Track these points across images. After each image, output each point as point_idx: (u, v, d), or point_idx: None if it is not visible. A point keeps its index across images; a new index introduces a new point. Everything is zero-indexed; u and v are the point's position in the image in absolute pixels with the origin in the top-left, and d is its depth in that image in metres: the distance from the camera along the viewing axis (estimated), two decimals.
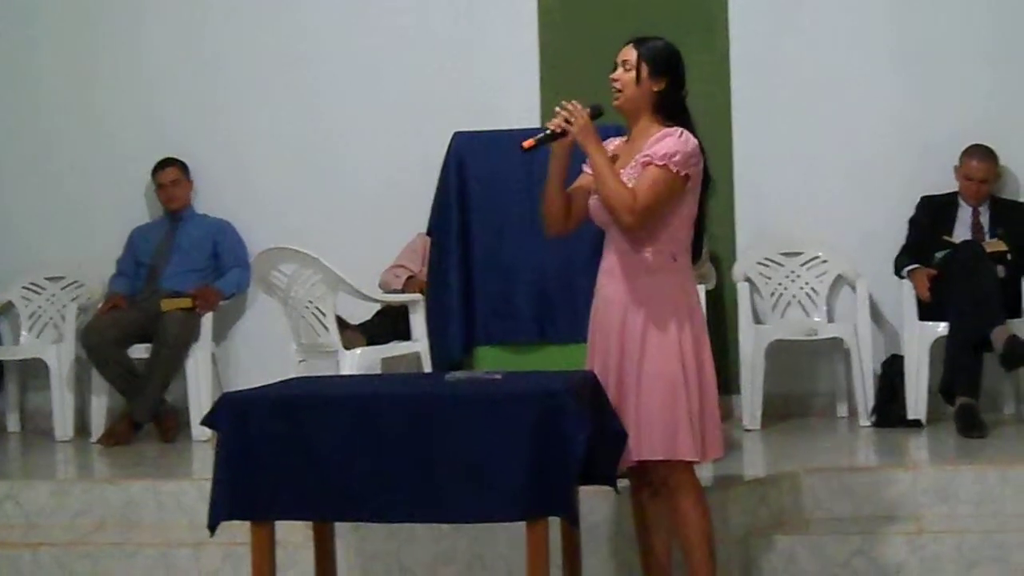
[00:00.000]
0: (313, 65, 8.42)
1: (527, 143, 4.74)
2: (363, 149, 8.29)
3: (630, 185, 4.70)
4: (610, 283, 4.85)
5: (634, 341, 4.75)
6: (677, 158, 4.69)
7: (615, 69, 4.85)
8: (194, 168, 8.34)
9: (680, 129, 4.76)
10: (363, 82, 8.35)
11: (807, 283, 7.90)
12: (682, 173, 4.71)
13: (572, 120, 4.72)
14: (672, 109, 4.85)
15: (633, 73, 4.79)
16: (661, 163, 4.68)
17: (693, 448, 4.74)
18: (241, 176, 8.42)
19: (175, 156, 8.29)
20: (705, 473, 5.36)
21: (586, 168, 4.90)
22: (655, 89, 4.81)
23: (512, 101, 8.01)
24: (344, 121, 8.32)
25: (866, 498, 5.86)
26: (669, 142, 4.71)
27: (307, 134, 8.37)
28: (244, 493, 4.45)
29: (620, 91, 4.81)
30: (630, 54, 4.82)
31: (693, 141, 4.75)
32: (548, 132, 4.75)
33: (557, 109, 4.77)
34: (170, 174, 8.26)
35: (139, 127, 8.50)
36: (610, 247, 4.89)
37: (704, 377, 4.82)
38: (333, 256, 6.83)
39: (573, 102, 4.76)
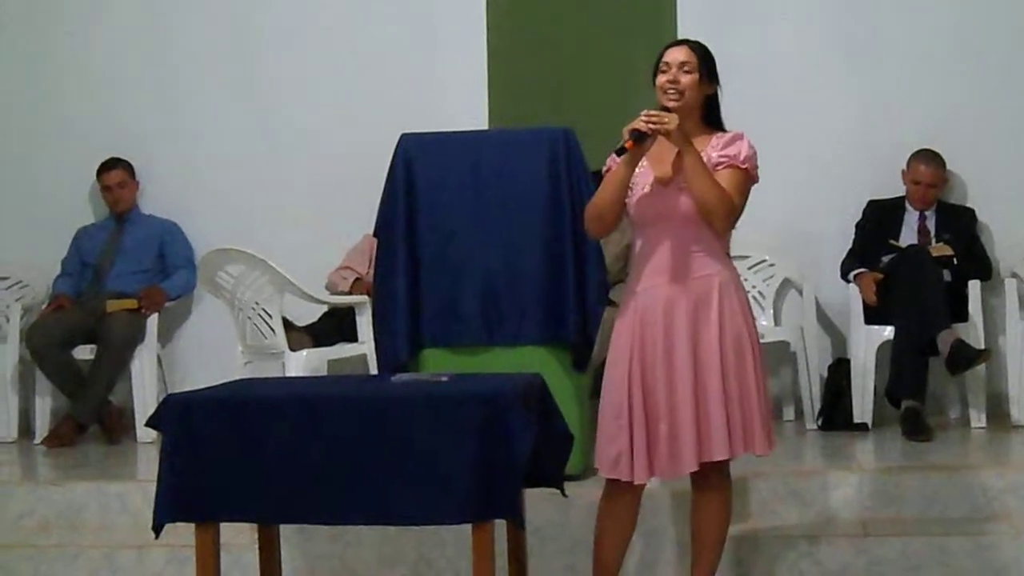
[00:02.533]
0: (261, 66, 8.38)
1: (628, 144, 4.59)
2: (311, 150, 8.25)
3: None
4: (681, 282, 4.73)
5: (739, 334, 4.72)
6: (754, 160, 4.74)
7: (659, 73, 4.73)
8: (141, 168, 8.29)
9: (742, 132, 4.79)
10: (311, 83, 8.32)
11: (754, 286, 7.90)
12: (756, 175, 4.77)
13: (663, 123, 4.56)
14: (717, 114, 4.86)
15: (696, 75, 4.73)
16: (744, 165, 4.71)
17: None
18: (188, 177, 8.37)
19: (122, 156, 8.24)
20: (653, 480, 5.34)
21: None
22: (708, 93, 4.81)
23: (460, 103, 7.99)
24: (292, 122, 8.29)
25: (812, 501, 5.88)
26: (743, 145, 4.73)
27: (255, 135, 8.33)
28: (189, 495, 4.42)
29: (680, 93, 4.70)
30: (687, 55, 4.74)
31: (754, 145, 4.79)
32: (641, 133, 4.58)
33: (643, 114, 4.60)
34: (115, 176, 8.20)
35: (86, 127, 8.43)
36: (664, 245, 4.75)
37: None
38: (280, 257, 6.81)
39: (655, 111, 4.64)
